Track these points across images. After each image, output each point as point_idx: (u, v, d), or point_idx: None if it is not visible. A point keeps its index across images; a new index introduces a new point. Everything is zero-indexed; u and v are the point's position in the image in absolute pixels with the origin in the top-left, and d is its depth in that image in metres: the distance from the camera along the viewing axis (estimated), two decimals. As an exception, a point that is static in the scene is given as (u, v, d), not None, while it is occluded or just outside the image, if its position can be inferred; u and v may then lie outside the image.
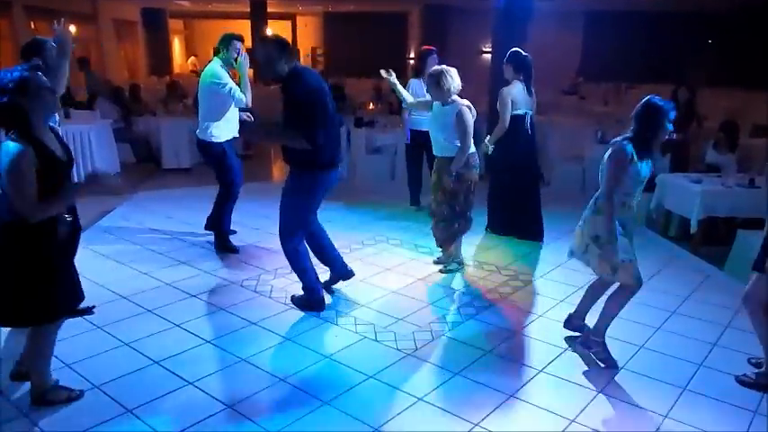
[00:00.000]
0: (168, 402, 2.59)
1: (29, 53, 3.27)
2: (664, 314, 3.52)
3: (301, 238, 3.44)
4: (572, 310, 3.24)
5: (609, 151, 2.81)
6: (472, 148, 3.93)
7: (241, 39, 4.30)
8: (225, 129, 4.32)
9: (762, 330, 2.80)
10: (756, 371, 2.86)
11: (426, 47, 5.44)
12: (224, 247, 4.50)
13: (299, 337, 3.18)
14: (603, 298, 3.07)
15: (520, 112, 4.58)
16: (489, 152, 4.68)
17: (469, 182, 3.96)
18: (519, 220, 4.86)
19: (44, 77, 2.32)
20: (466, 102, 3.92)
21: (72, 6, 13.09)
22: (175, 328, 3.26)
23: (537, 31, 8.22)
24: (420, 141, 5.19)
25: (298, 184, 3.32)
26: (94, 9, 14.35)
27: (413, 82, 5.33)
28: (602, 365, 2.93)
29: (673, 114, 2.72)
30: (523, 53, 4.57)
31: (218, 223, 4.51)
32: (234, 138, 4.42)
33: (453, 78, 3.82)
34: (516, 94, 4.53)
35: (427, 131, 4.26)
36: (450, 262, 4.18)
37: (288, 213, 3.37)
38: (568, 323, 3.23)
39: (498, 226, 4.98)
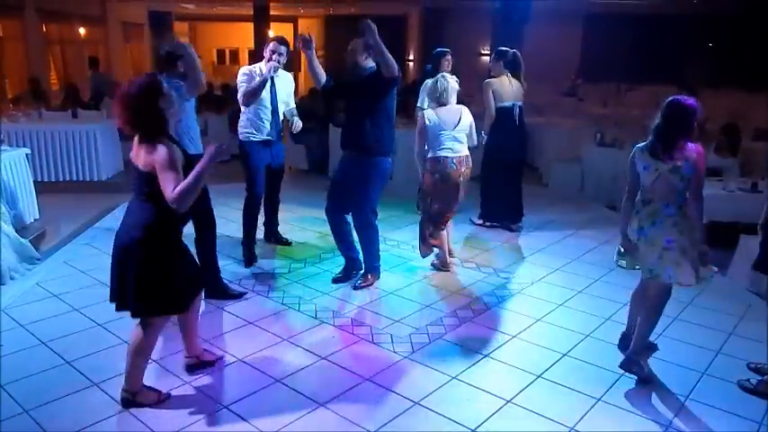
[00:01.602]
0: (165, 401, 2.58)
1: (171, 59, 3.54)
2: (665, 320, 3.45)
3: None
4: (624, 330, 3.14)
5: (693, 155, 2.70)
6: (436, 153, 3.93)
7: (278, 40, 4.14)
8: (252, 128, 4.16)
9: None
10: (759, 378, 2.82)
11: (441, 48, 5.25)
12: (246, 257, 4.29)
13: (296, 338, 3.17)
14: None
15: (507, 104, 4.76)
16: (483, 141, 4.84)
17: (430, 185, 3.97)
18: (508, 208, 5.11)
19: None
20: (429, 111, 3.99)
21: (82, 9, 13.23)
22: (174, 327, 3.22)
23: (535, 33, 8.23)
24: None
25: (374, 169, 3.72)
26: (103, 11, 14.49)
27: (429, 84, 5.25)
28: (646, 385, 2.81)
29: (699, 112, 2.70)
30: (511, 50, 4.82)
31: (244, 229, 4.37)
32: (269, 139, 4.19)
33: (446, 90, 3.91)
34: (501, 87, 4.73)
35: None
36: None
37: (371, 195, 3.78)
38: (622, 343, 3.09)
39: (490, 215, 5.19)
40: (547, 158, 7.27)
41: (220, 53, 22.03)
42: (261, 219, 4.62)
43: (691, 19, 14.31)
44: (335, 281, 3.97)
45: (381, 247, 4.68)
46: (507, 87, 4.78)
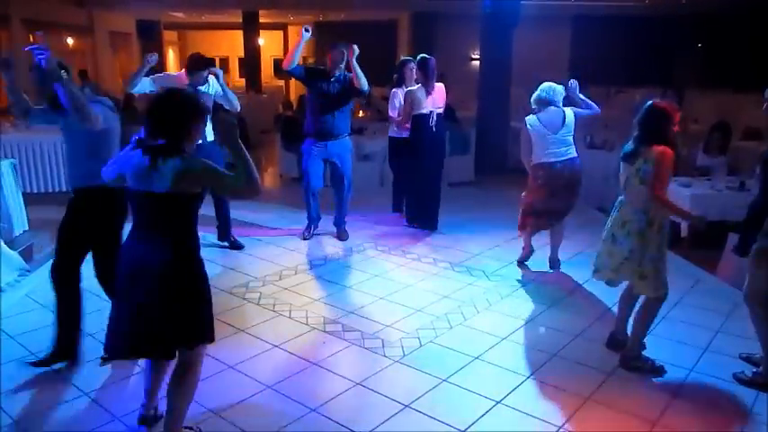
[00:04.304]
0: (154, 412, 2.57)
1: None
2: (655, 319, 3.50)
3: None
4: (612, 330, 3.18)
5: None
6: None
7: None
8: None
9: (761, 326, 2.80)
10: (754, 370, 2.87)
11: (404, 58, 5.60)
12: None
13: (287, 345, 3.17)
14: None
15: (425, 111, 4.97)
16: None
17: (534, 190, 4.14)
18: (423, 210, 5.26)
19: None
20: (531, 116, 4.08)
21: (68, 19, 13.18)
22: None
23: (524, 37, 8.31)
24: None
25: (351, 147, 4.98)
26: (90, 21, 14.43)
27: (397, 92, 5.39)
28: (656, 377, 2.87)
29: (675, 115, 2.78)
30: (428, 57, 4.97)
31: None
32: (206, 141, 4.18)
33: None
34: (420, 95, 4.93)
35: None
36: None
37: (350, 166, 4.96)
38: (612, 342, 3.14)
39: (411, 216, 5.35)
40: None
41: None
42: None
43: (679, 20, 14.47)
44: (305, 238, 4.93)
45: (372, 253, 4.73)
46: (423, 95, 4.95)
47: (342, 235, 4.99)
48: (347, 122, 4.86)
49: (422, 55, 5.05)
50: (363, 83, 4.57)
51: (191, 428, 2.39)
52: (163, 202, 2.08)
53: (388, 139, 5.65)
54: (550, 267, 4.32)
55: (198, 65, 4.31)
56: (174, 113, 2.11)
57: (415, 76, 5.19)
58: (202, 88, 4.32)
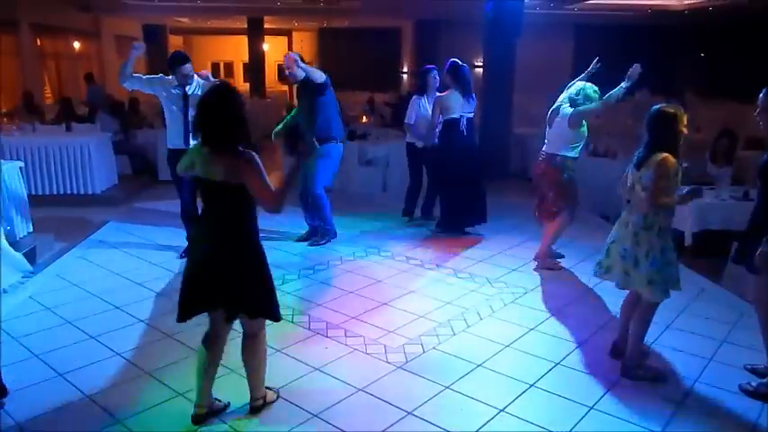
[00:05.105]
0: (158, 413, 2.57)
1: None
2: (658, 328, 3.47)
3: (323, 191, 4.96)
4: (615, 338, 3.16)
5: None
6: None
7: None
8: (170, 135, 4.44)
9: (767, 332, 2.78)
10: (759, 381, 2.84)
11: (427, 65, 5.59)
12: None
13: (289, 349, 3.16)
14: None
15: (455, 115, 5.02)
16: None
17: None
18: (470, 212, 5.24)
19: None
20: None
21: (75, 23, 13.31)
22: (167, 339, 3.24)
23: (527, 44, 8.33)
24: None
25: (326, 152, 4.78)
26: (97, 26, 14.58)
27: (418, 100, 5.43)
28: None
29: (682, 117, 2.80)
30: (461, 64, 5.01)
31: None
32: (175, 149, 4.33)
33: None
34: (450, 100, 4.97)
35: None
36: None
37: (321, 173, 4.85)
38: (615, 351, 3.11)
39: (447, 224, 5.29)
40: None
41: (215, 66, 22.16)
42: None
43: (681, 29, 14.53)
44: (298, 240, 5.02)
45: (376, 258, 4.72)
46: (458, 100, 4.98)
47: (315, 240, 4.98)
48: (323, 126, 4.74)
49: (453, 60, 5.03)
50: (315, 76, 4.64)
51: (270, 388, 2.68)
52: (219, 189, 2.34)
53: (405, 144, 5.67)
54: (534, 258, 4.55)
55: (174, 62, 4.36)
56: (219, 109, 2.31)
57: (437, 84, 5.25)
58: (189, 90, 4.36)
